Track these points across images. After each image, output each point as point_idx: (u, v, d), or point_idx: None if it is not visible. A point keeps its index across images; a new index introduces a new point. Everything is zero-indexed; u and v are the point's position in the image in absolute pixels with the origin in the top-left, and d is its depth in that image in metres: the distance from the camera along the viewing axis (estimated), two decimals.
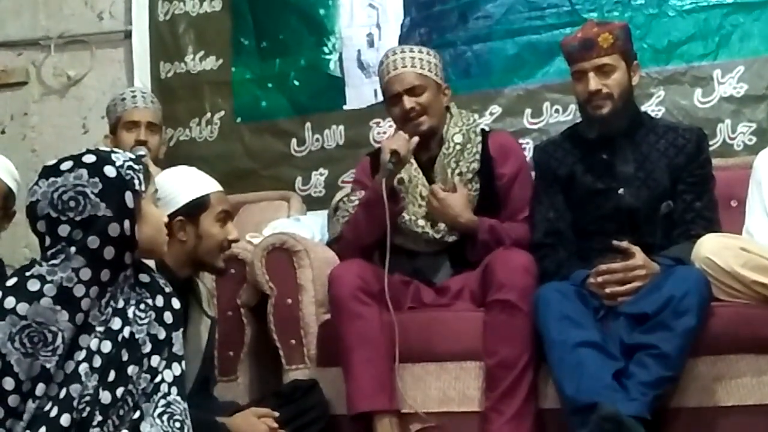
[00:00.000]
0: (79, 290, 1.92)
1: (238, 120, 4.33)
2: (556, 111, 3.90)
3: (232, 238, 2.69)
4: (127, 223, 1.96)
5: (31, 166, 4.52)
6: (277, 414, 2.68)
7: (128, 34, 4.48)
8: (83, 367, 1.91)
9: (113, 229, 1.94)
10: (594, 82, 3.01)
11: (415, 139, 3.09)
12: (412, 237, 3.20)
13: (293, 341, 3.18)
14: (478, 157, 3.21)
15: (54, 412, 1.88)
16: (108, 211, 1.94)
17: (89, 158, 1.98)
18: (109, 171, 1.96)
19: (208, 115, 4.36)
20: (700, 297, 2.72)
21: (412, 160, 3.19)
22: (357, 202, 3.23)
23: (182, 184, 2.65)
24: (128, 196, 1.97)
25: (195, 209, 2.62)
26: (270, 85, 4.28)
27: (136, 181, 2.00)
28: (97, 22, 4.57)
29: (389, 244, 2.97)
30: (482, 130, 3.33)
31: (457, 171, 3.20)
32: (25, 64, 4.64)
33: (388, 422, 2.91)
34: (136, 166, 2.01)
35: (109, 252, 1.94)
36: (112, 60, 4.54)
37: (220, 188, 2.72)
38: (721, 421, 2.80)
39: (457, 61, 3.97)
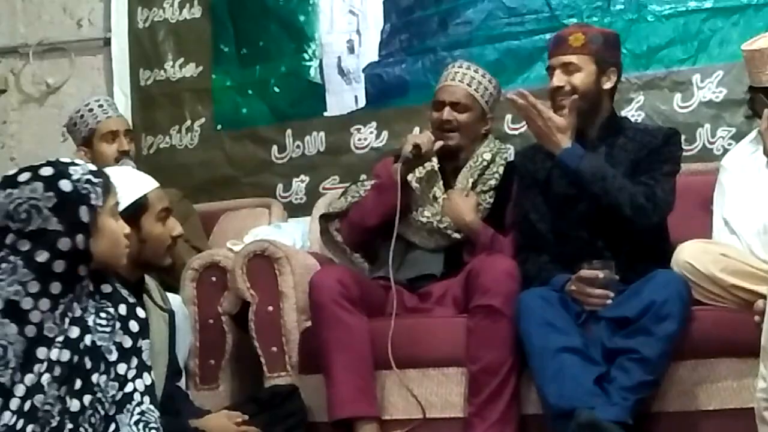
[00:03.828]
0: (27, 303, 1.90)
1: (219, 127, 4.32)
2: None
3: (175, 234, 2.59)
4: (79, 238, 1.94)
5: None
6: (246, 417, 2.67)
7: (107, 42, 4.47)
8: (45, 378, 1.90)
9: (64, 244, 1.92)
10: (557, 79, 3.03)
11: (439, 142, 3.21)
12: (415, 228, 3.25)
13: (275, 348, 3.18)
14: (498, 176, 3.28)
15: (20, 425, 1.87)
16: (59, 226, 1.92)
17: (46, 171, 1.95)
18: (65, 185, 1.94)
19: (188, 122, 4.35)
20: (681, 302, 2.73)
21: (435, 165, 3.29)
22: (369, 187, 3.33)
23: (119, 188, 2.59)
24: (83, 211, 1.95)
25: (135, 212, 2.47)
26: (250, 92, 4.27)
27: (93, 195, 1.97)
28: (76, 29, 4.55)
29: (396, 230, 3.10)
30: (512, 160, 3.42)
31: (477, 182, 3.27)
32: (4, 72, 4.62)
33: (369, 429, 2.91)
34: (95, 180, 1.99)
35: (59, 265, 1.92)
36: (92, 67, 4.53)
37: (157, 185, 2.59)
38: (703, 425, 2.81)
39: (437, 67, 3.94)
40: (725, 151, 3.53)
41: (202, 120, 4.34)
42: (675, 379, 2.80)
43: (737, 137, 3.57)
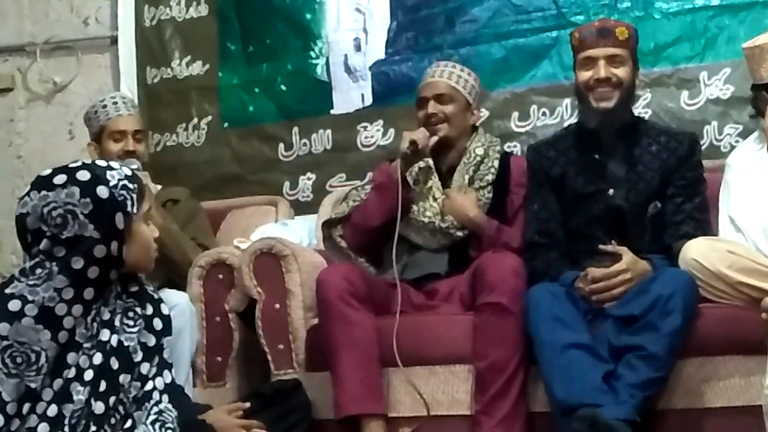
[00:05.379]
0: (61, 309, 1.90)
1: (226, 125, 4.32)
2: (543, 114, 3.90)
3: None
4: (114, 245, 1.93)
5: (17, 172, 4.52)
6: (247, 405, 2.66)
7: (114, 40, 4.48)
8: (74, 386, 1.90)
9: (99, 251, 1.92)
10: (605, 70, 3.02)
11: (434, 137, 3.22)
12: (417, 228, 3.25)
13: (281, 346, 3.18)
14: (494, 170, 3.29)
15: (42, 429, 1.86)
16: (95, 233, 1.91)
17: (83, 175, 1.94)
18: (102, 192, 1.93)
19: (195, 120, 4.35)
20: (687, 297, 2.72)
21: (431, 163, 3.28)
22: (369, 190, 3.34)
23: None
24: (118, 218, 1.94)
25: None
26: (257, 89, 4.28)
27: (129, 202, 1.97)
28: (83, 27, 4.56)
29: (398, 226, 3.10)
30: (506, 152, 3.44)
31: (473, 178, 3.27)
32: (11, 71, 4.63)
33: (375, 426, 2.91)
34: (130, 185, 1.98)
35: (93, 272, 1.92)
36: (99, 66, 4.54)
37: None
38: (710, 423, 2.80)
39: None
40: (732, 148, 3.53)
41: (209, 118, 4.34)
42: (682, 377, 2.79)
43: (744, 134, 3.57)
